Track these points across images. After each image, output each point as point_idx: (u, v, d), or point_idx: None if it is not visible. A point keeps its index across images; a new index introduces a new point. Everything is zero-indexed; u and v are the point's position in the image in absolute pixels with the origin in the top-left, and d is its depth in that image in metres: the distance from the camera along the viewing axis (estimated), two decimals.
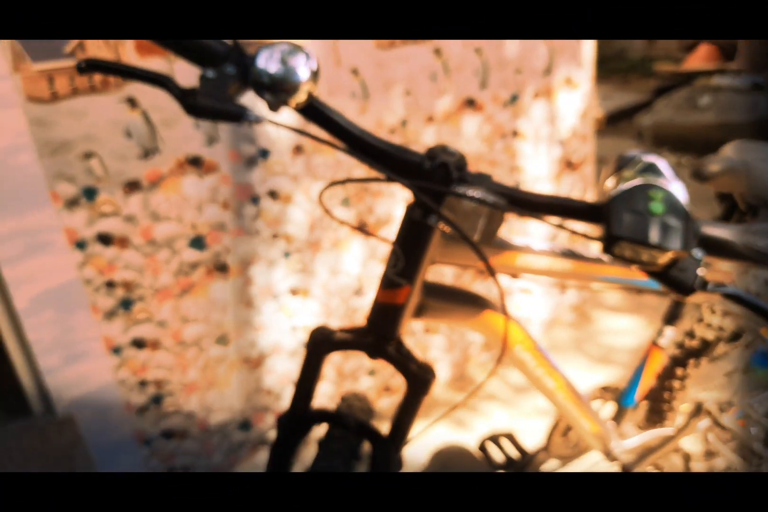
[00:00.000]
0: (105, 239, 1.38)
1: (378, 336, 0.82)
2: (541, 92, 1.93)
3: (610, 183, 0.61)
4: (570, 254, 0.92)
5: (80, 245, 1.36)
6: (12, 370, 1.48)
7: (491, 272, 0.72)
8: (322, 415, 0.90)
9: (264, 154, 1.54)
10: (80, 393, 1.48)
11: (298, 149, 1.56)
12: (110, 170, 1.33)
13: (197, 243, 1.49)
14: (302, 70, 0.63)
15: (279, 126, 0.64)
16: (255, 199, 1.53)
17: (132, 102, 1.31)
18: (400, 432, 0.87)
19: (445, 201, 0.69)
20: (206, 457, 1.71)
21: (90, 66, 0.65)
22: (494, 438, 1.43)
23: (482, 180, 0.68)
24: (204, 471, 1.72)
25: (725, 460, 1.26)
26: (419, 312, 0.85)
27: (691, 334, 1.25)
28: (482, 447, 1.43)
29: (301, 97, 0.64)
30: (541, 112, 1.94)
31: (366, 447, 0.93)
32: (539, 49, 1.85)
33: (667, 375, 1.28)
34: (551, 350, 1.46)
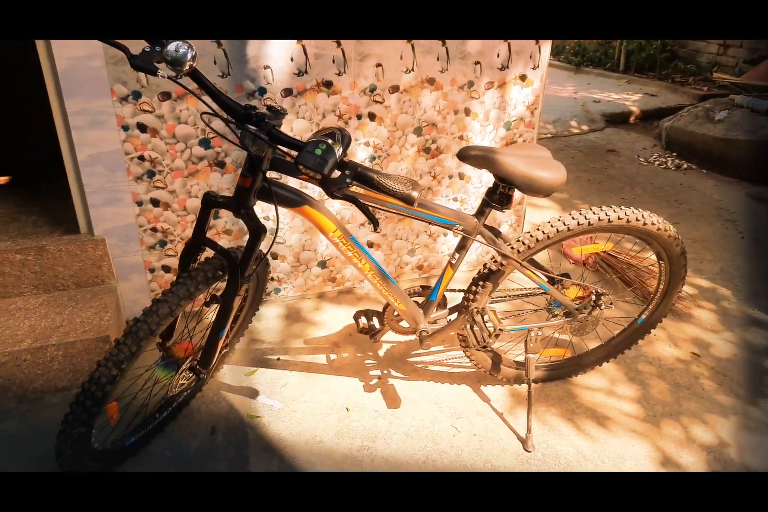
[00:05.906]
0: (142, 127, 1.87)
1: (237, 203, 1.30)
2: (496, 83, 2.18)
3: (313, 135, 1.04)
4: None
5: (125, 128, 1.86)
6: (71, 203, 2.03)
7: (264, 173, 1.18)
8: (208, 243, 1.39)
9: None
10: (112, 226, 2.02)
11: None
12: (151, 82, 1.80)
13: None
14: (188, 55, 1.08)
15: (172, 80, 1.09)
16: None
17: None
18: (246, 259, 1.36)
19: (252, 135, 1.14)
20: None
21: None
22: (366, 313, 1.85)
23: (267, 126, 1.11)
24: None
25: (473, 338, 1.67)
26: (261, 196, 1.31)
27: (484, 266, 1.63)
28: (355, 317, 1.85)
29: (187, 68, 1.09)
30: (492, 99, 2.21)
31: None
32: (499, 48, 2.10)
33: (468, 290, 1.68)
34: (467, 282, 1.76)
